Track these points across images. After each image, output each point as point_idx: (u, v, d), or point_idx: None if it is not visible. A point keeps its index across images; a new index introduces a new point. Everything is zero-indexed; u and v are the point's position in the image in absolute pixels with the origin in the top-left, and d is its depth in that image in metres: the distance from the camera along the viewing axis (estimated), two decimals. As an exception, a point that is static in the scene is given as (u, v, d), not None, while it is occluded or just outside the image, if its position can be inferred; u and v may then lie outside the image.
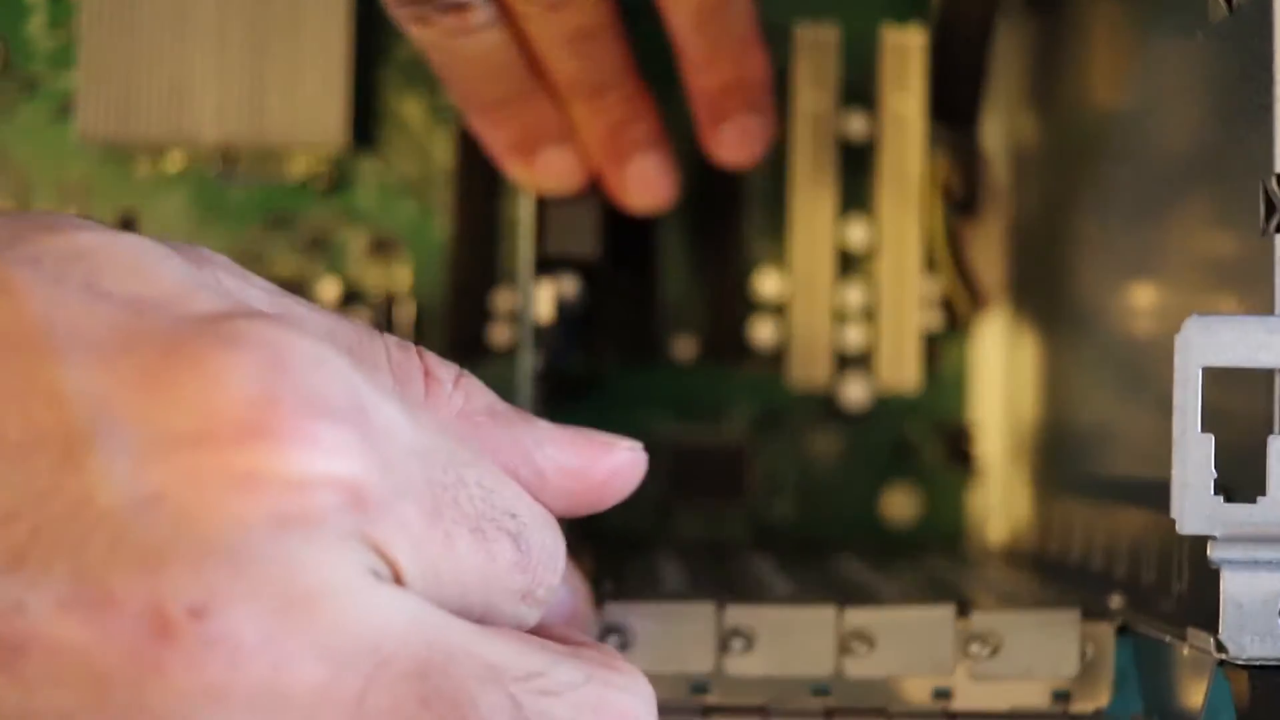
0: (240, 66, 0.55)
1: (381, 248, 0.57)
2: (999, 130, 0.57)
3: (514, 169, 0.48)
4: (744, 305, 0.57)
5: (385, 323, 0.56)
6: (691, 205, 0.58)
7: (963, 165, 0.52)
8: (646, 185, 0.48)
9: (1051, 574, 0.51)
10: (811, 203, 0.55)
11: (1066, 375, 0.52)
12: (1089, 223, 0.49)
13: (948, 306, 0.56)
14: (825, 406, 0.57)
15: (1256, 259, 0.34)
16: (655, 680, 0.39)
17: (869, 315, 0.56)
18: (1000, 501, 0.57)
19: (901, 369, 0.55)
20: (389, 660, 0.26)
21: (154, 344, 0.26)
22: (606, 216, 0.50)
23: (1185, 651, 0.35)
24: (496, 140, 0.47)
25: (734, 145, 0.49)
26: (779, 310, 0.57)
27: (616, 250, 0.56)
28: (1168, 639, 0.36)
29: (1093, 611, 0.38)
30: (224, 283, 0.29)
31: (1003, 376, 0.58)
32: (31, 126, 0.57)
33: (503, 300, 0.56)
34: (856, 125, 0.56)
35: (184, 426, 0.25)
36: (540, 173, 0.47)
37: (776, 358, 0.57)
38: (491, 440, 0.32)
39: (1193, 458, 0.32)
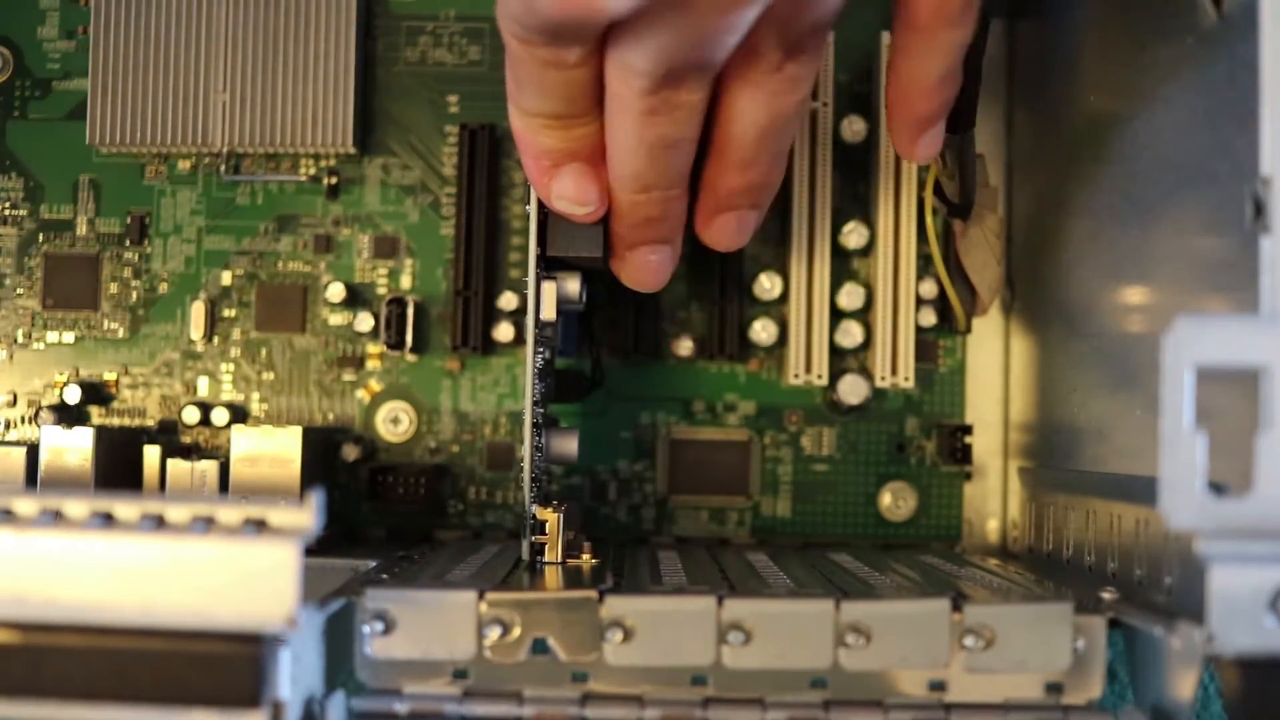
0: (250, 73, 0.56)
1: (385, 248, 0.58)
2: (994, 133, 0.58)
3: (538, 175, 0.47)
4: (743, 304, 0.58)
5: (389, 321, 0.56)
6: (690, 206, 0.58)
7: (958, 168, 0.52)
8: (647, 273, 0.49)
9: (1045, 569, 0.51)
10: (809, 204, 0.56)
11: (1060, 374, 0.52)
12: (1081, 224, 0.50)
13: (944, 307, 0.57)
14: (823, 405, 0.58)
15: (1243, 259, 0.35)
16: (656, 673, 0.40)
17: (866, 315, 0.57)
18: (995, 498, 0.58)
19: (898, 368, 0.56)
20: None
21: None
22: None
23: (1175, 644, 0.36)
24: (536, 145, 0.46)
25: (728, 233, 0.49)
26: (777, 309, 0.58)
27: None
28: (1159, 632, 0.37)
29: (1085, 605, 0.38)
30: None
31: (998, 375, 0.58)
32: (43, 128, 0.58)
33: (505, 299, 0.57)
34: (854, 128, 0.57)
35: None
36: (562, 186, 0.46)
37: (775, 357, 0.58)
38: None
39: (1182, 455, 0.32)
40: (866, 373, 0.57)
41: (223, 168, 0.57)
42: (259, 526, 0.33)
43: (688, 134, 0.44)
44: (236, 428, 0.52)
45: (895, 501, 0.58)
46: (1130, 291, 0.45)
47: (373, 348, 0.57)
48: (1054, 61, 0.54)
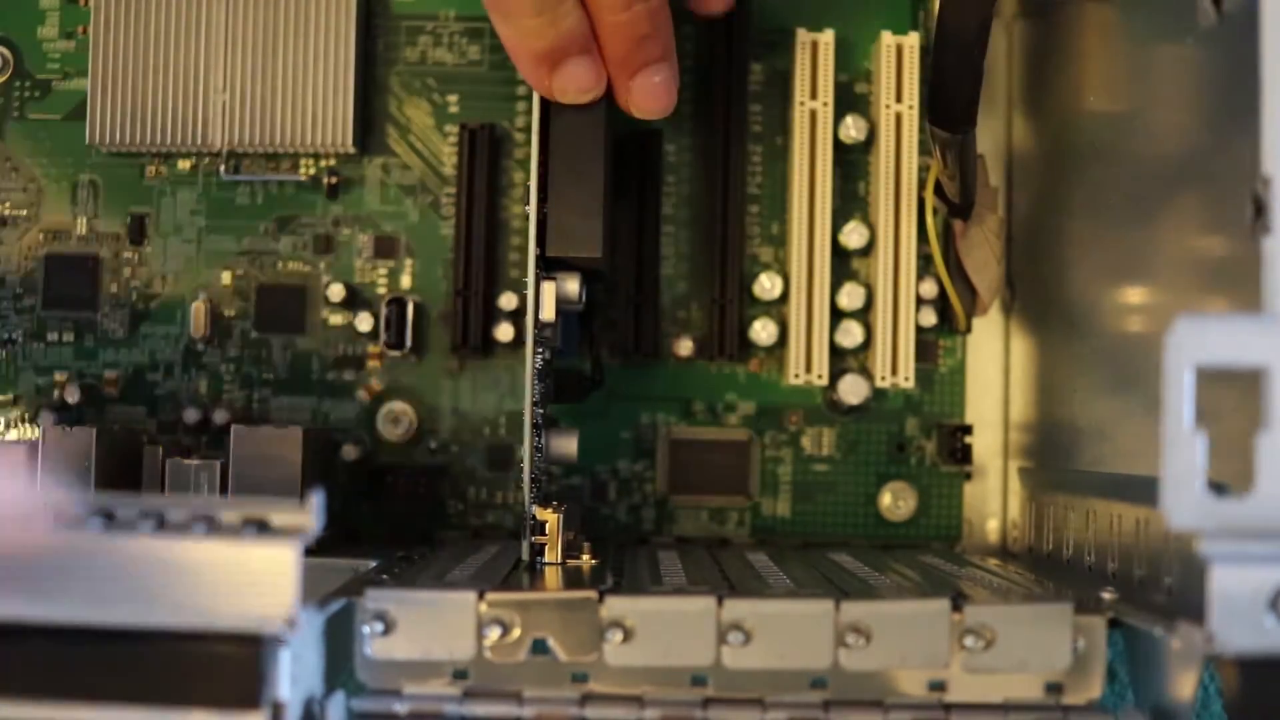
0: (250, 73, 0.56)
1: (385, 248, 0.58)
2: (994, 133, 0.58)
3: (538, 79, 0.49)
4: (743, 304, 0.57)
5: (389, 321, 0.56)
6: (691, 205, 0.58)
7: (959, 168, 0.52)
8: (655, 96, 0.50)
9: (1045, 569, 0.51)
10: (809, 203, 0.56)
11: (1061, 374, 0.52)
12: (1082, 224, 0.50)
13: (944, 307, 0.57)
14: (823, 405, 0.58)
15: (1244, 259, 0.35)
16: (656, 673, 0.40)
17: (866, 315, 0.57)
18: (995, 498, 0.58)
19: (898, 368, 0.56)
20: None
21: None
22: (610, 219, 0.50)
23: (1176, 644, 0.36)
24: (529, 50, 0.49)
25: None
26: (777, 309, 0.57)
27: (618, 251, 0.57)
28: (1159, 632, 0.37)
29: (1085, 605, 0.38)
30: None
31: (998, 375, 0.58)
32: (43, 128, 0.58)
33: (505, 299, 0.57)
34: (854, 129, 0.57)
35: None
36: (563, 81, 0.49)
37: (775, 357, 0.58)
38: None
39: (1183, 455, 0.32)
40: (866, 373, 0.57)
41: (222, 168, 0.57)
42: (259, 527, 0.33)
43: None
44: (236, 428, 0.52)
45: (895, 501, 0.58)
46: (1130, 291, 0.45)
47: (373, 348, 0.57)
48: (1054, 61, 0.54)
